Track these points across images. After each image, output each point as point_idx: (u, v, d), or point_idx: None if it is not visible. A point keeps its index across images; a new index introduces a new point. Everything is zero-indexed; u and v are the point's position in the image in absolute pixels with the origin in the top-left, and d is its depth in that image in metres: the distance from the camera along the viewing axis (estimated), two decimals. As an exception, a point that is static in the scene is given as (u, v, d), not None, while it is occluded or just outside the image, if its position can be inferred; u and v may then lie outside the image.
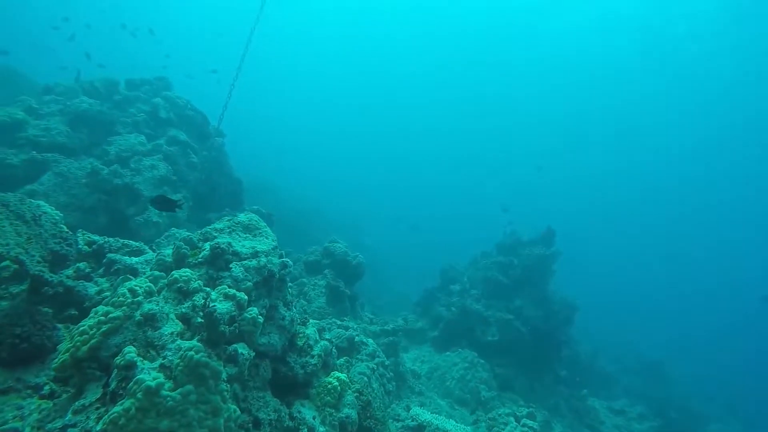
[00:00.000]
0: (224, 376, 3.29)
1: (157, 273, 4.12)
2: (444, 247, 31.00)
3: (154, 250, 5.93)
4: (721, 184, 54.60)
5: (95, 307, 3.46)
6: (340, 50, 63.43)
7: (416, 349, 12.21)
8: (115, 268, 4.95)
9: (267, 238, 4.89)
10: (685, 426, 15.17)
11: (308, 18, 56.39)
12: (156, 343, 3.34)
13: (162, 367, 3.13)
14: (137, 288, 3.58)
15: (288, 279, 4.89)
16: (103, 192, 8.58)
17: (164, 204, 5.19)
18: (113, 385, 2.97)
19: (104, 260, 5.05)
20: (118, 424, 2.70)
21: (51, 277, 4.15)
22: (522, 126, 64.85)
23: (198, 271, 4.18)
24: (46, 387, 3.36)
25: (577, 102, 56.41)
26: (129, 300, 3.46)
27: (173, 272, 3.94)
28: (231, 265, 4.23)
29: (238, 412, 3.35)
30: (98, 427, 2.72)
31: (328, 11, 55.05)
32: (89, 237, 5.37)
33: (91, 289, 4.57)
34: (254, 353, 3.81)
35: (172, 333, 3.44)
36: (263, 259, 4.42)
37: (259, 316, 3.81)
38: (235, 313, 3.63)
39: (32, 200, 4.91)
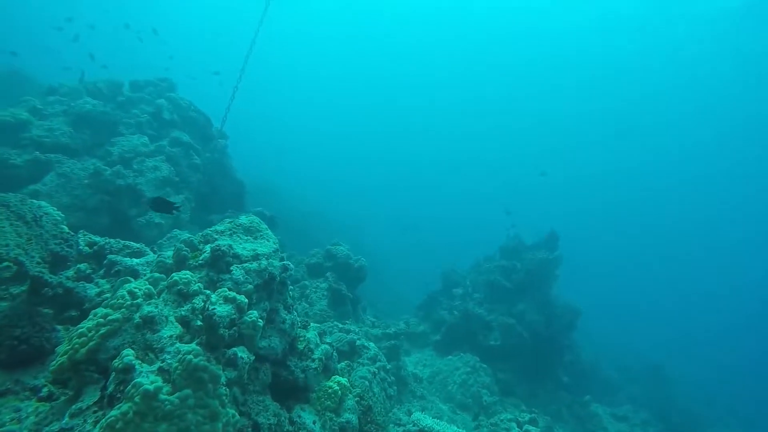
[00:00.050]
0: (223, 380, 3.26)
1: (157, 275, 4.09)
2: (446, 249, 30.99)
3: (155, 252, 5.91)
4: (722, 185, 54.49)
5: (95, 308, 3.44)
6: (341, 51, 63.59)
7: (418, 352, 12.15)
8: (116, 269, 4.92)
9: (268, 240, 4.86)
10: (688, 430, 15.05)
11: (309, 19, 56.53)
12: (155, 346, 3.31)
13: (160, 371, 3.09)
14: (137, 290, 3.55)
15: (289, 282, 4.86)
16: (106, 193, 8.58)
17: (162, 206, 5.16)
18: (111, 388, 2.94)
19: (105, 261, 5.03)
20: (115, 428, 2.67)
21: (51, 278, 4.13)
22: (523, 127, 64.88)
23: (198, 273, 4.15)
24: (45, 389, 3.33)
25: (577, 103, 56.37)
26: (128, 302, 3.44)
27: (173, 274, 3.91)
28: (232, 268, 4.20)
29: (237, 416, 3.31)
30: (95, 431, 2.68)
31: (330, 12, 55.20)
32: (90, 238, 5.35)
33: (92, 290, 4.54)
34: (254, 357, 3.78)
35: (171, 336, 3.41)
36: (264, 262, 4.39)
37: (260, 320, 3.78)
38: (235, 316, 3.59)
39: (34, 201, 4.90)
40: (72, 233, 5.14)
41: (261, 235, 4.92)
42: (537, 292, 12.99)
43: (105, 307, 3.39)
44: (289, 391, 4.53)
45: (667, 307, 46.72)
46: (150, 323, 3.41)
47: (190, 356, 3.11)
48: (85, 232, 5.45)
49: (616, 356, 21.07)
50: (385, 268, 22.06)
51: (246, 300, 3.76)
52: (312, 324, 5.55)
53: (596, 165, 64.26)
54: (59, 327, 3.98)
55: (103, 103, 10.24)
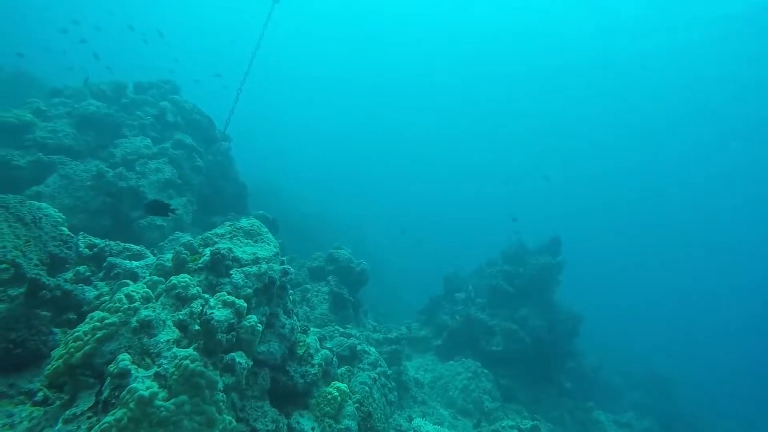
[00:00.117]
0: (220, 385, 3.21)
1: (155, 278, 4.05)
2: (447, 250, 30.91)
3: (155, 254, 5.88)
4: (724, 188, 54.24)
5: (93, 311, 3.40)
6: (342, 52, 63.67)
7: (419, 357, 12.06)
8: (115, 272, 4.89)
9: (269, 244, 4.82)
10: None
11: (311, 21, 56.63)
12: (151, 350, 3.26)
13: (157, 376, 3.05)
14: (134, 293, 3.51)
15: (289, 286, 4.81)
16: (108, 194, 8.57)
17: (158, 209, 5.12)
18: (106, 393, 2.89)
19: (105, 264, 5.00)
20: (110, 435, 2.62)
21: (48, 280, 4.09)
22: (525, 129, 64.75)
23: (197, 276, 4.11)
24: (40, 393, 3.29)
25: (580, 106, 56.21)
26: (125, 306, 3.40)
27: (172, 278, 3.87)
28: (231, 272, 4.16)
29: (234, 423, 3.26)
30: (89, 438, 2.64)
31: (331, 13, 55.28)
32: (90, 240, 5.33)
33: (91, 293, 4.51)
34: (252, 362, 3.73)
35: (168, 340, 3.36)
36: (264, 266, 4.35)
37: (259, 324, 3.73)
38: (233, 320, 3.54)
39: (33, 202, 4.88)
40: (72, 235, 5.11)
41: (261, 239, 4.88)
42: (539, 297, 12.91)
43: (102, 311, 3.36)
44: (288, 397, 4.48)
45: (668, 308, 46.61)
46: (147, 327, 3.37)
47: (187, 361, 3.07)
48: (85, 234, 5.43)
49: (618, 360, 20.90)
50: (385, 269, 22.01)
51: (245, 304, 3.71)
52: (312, 328, 5.49)
53: (598, 167, 64.13)
54: (57, 330, 3.94)
55: (106, 105, 10.26)
